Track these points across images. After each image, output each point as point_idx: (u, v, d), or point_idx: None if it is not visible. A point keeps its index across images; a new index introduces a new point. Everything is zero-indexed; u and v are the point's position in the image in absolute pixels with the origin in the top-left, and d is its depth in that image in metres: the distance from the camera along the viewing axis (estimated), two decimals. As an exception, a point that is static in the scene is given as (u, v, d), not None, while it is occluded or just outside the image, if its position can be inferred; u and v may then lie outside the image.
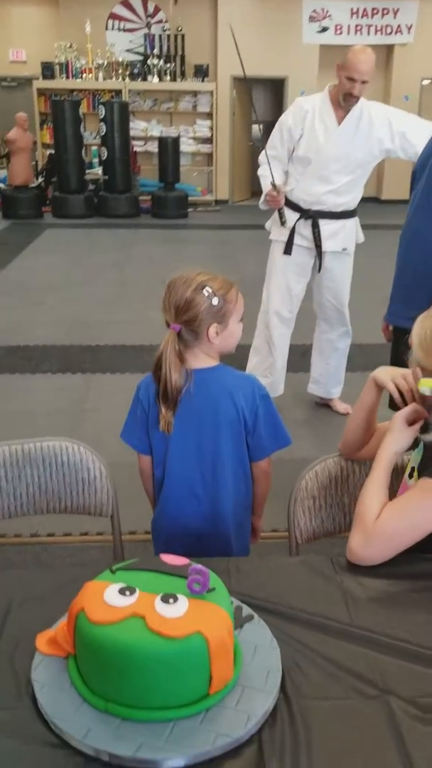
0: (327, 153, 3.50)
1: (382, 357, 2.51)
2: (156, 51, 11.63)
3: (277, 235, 3.73)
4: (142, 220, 10.66)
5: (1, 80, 13.12)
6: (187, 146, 11.93)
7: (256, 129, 12.54)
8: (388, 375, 1.67)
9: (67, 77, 11.64)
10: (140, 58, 11.68)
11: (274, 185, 3.46)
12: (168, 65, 11.58)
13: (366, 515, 1.49)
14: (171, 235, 9.63)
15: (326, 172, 3.53)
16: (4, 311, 6.15)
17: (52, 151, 10.94)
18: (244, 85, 11.38)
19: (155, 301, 1.92)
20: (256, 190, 14.10)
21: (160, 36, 11.62)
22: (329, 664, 1.21)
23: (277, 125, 3.60)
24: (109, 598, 1.14)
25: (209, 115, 12.01)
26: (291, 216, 3.63)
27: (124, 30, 11.81)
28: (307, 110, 3.49)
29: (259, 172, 3.58)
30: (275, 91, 12.17)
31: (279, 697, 1.14)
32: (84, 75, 11.64)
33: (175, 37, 11.53)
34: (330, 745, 1.06)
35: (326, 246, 3.65)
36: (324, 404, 4.21)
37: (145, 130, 11.98)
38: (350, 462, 1.89)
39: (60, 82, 11.62)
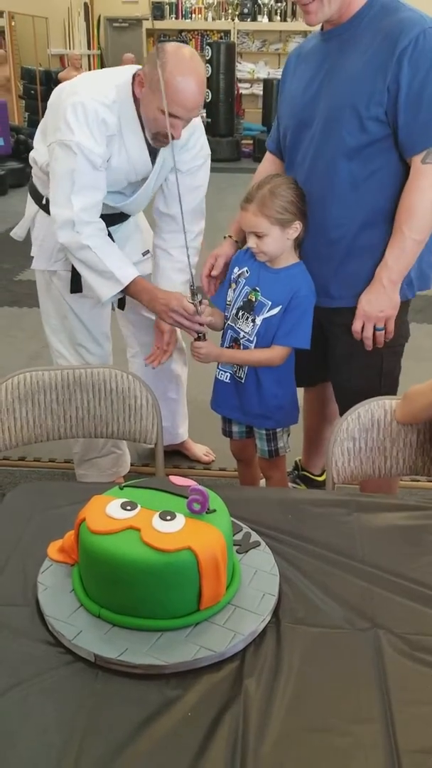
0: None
1: None
2: (268, -12, 11.31)
3: None
4: (243, 164, 10.51)
5: (112, 21, 13.13)
6: (294, 89, 11.62)
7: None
8: None
9: (177, 17, 11.52)
10: (251, -4, 11.38)
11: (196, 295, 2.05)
12: (279, 4, 11.23)
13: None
14: (271, 180, 9.45)
15: None
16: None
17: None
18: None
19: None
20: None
21: (273, -28, 11.29)
22: (326, 595, 1.20)
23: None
24: (111, 510, 1.17)
25: (319, 57, 11.62)
26: None
27: (237, -35, 11.53)
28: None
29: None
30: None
31: (270, 620, 1.15)
32: (193, 15, 11.48)
33: (289, -28, 11.18)
34: (309, 670, 1.06)
35: None
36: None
37: (252, 72, 11.74)
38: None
39: (169, 23, 11.51)
